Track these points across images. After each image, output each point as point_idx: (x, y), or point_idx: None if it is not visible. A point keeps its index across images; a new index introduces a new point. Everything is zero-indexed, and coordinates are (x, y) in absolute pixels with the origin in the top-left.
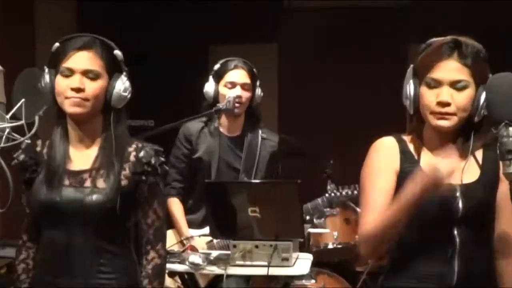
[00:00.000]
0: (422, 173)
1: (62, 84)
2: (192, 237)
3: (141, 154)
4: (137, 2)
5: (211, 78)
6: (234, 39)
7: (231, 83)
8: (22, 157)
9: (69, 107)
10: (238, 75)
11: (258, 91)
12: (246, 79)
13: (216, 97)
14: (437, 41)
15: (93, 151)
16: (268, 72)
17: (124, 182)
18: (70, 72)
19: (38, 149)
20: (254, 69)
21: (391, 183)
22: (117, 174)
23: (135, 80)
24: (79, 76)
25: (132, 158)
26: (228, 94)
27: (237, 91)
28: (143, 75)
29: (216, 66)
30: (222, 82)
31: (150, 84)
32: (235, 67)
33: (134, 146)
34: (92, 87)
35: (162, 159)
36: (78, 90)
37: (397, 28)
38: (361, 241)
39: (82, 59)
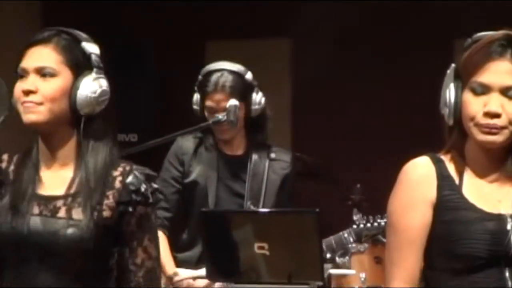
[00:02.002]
0: None
1: (17, 88)
2: (180, 279)
3: (129, 179)
4: None
5: (196, 91)
6: (236, 34)
7: (211, 109)
8: None
9: (23, 115)
10: (217, 99)
11: (257, 100)
12: (230, 101)
13: (203, 113)
14: (487, 36)
15: (69, 171)
16: (279, 73)
17: (106, 213)
18: (25, 73)
19: (3, 165)
20: (246, 76)
21: (426, 219)
22: (98, 203)
23: (119, 84)
24: (33, 76)
25: (117, 184)
26: (213, 117)
27: (220, 116)
28: (124, 79)
29: (199, 77)
30: (204, 103)
31: (133, 89)
32: (215, 88)
33: (120, 169)
34: (46, 88)
35: (155, 185)
36: (29, 92)
37: (438, 19)
38: None
39: (35, 55)
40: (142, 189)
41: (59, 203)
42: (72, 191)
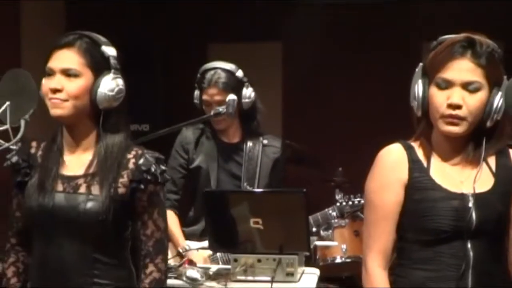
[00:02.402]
0: None
1: (45, 85)
2: (190, 249)
3: (141, 161)
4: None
5: (196, 85)
6: (235, 38)
7: (206, 102)
8: (15, 158)
9: (51, 109)
10: (211, 93)
11: (247, 94)
12: (221, 97)
13: (202, 107)
14: (450, 39)
15: (89, 156)
16: (271, 73)
17: (121, 190)
18: (51, 72)
19: (33, 151)
20: (237, 73)
21: (399, 197)
22: (114, 181)
23: (132, 81)
24: (59, 76)
25: (131, 165)
26: (210, 111)
27: (215, 109)
28: (140, 75)
29: (198, 75)
30: (201, 97)
31: (147, 85)
32: (209, 85)
33: (133, 152)
34: (71, 87)
35: (163, 167)
36: (56, 91)
37: (410, 25)
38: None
39: (61, 58)
40: (152, 170)
41: (80, 181)
42: (91, 171)
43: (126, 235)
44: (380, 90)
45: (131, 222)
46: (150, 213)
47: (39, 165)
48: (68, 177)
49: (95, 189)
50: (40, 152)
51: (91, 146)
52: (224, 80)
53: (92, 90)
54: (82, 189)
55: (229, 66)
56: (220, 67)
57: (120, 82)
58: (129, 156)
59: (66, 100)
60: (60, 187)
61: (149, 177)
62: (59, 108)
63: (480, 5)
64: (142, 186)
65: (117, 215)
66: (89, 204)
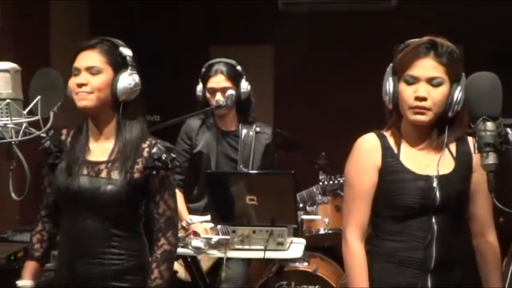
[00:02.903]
0: None
1: (72, 82)
2: (193, 222)
3: (154, 150)
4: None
5: (199, 80)
6: (233, 41)
7: (212, 89)
8: (47, 143)
9: (78, 102)
10: (217, 81)
11: (244, 86)
12: (225, 83)
13: (205, 99)
14: (415, 41)
15: (110, 144)
16: (264, 72)
17: (136, 175)
18: (77, 71)
19: (63, 138)
20: (237, 67)
21: (373, 179)
22: (131, 167)
23: (145, 78)
24: (84, 73)
25: (145, 153)
26: (214, 100)
27: (218, 96)
28: (152, 73)
29: (202, 70)
30: (206, 87)
31: (157, 81)
32: (215, 73)
33: (148, 142)
34: (95, 81)
35: (173, 155)
36: (82, 85)
37: (383, 30)
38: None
39: (85, 58)
40: (163, 157)
41: (102, 166)
42: (112, 157)
43: (140, 213)
44: (357, 87)
45: (144, 202)
46: (161, 195)
47: (67, 150)
48: (92, 163)
49: (114, 174)
50: (69, 139)
51: (112, 134)
52: (227, 70)
53: (112, 84)
54: (103, 174)
55: (230, 60)
56: (223, 60)
57: (136, 77)
58: (144, 145)
59: (91, 93)
60: (85, 171)
61: (160, 164)
62: (85, 100)
63: (445, 14)
64: (155, 172)
65: (132, 197)
66: (109, 187)
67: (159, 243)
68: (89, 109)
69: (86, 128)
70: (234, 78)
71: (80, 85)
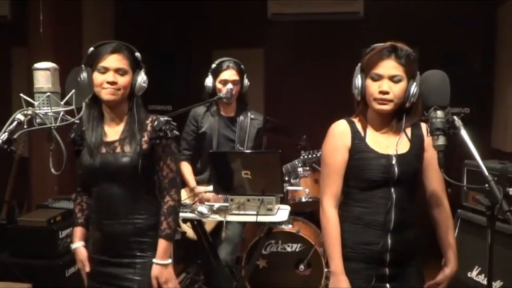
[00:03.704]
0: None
1: (100, 78)
2: (199, 191)
3: (155, 124)
4: (163, 17)
5: (209, 74)
6: (232, 45)
7: (224, 81)
8: (73, 135)
9: (106, 96)
10: (229, 74)
11: (245, 82)
12: (235, 77)
13: (214, 90)
14: (379, 46)
15: (121, 126)
16: (257, 70)
17: (144, 146)
18: (105, 70)
19: (84, 129)
20: (242, 66)
21: (344, 157)
22: (139, 141)
23: (159, 75)
24: (113, 73)
25: (149, 128)
26: (223, 90)
27: (229, 87)
28: (164, 71)
29: (213, 65)
30: (218, 79)
31: (169, 78)
32: (227, 67)
33: (150, 119)
34: (122, 81)
35: (172, 126)
36: (113, 83)
37: (352, 36)
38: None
39: (114, 60)
40: (163, 128)
41: (116, 144)
42: (123, 136)
43: (154, 178)
44: (332, 82)
45: (155, 168)
46: (164, 160)
47: (87, 137)
48: (108, 142)
49: (127, 148)
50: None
51: (123, 118)
52: (237, 66)
53: (132, 82)
54: (118, 150)
55: (237, 60)
56: (232, 59)
57: (145, 76)
58: (147, 122)
59: (118, 90)
60: (103, 150)
61: (161, 134)
62: (113, 95)
63: (404, 23)
64: (158, 141)
65: (144, 164)
66: (124, 159)
67: (164, 200)
68: (115, 102)
69: (100, 115)
70: (241, 73)
71: (111, 83)
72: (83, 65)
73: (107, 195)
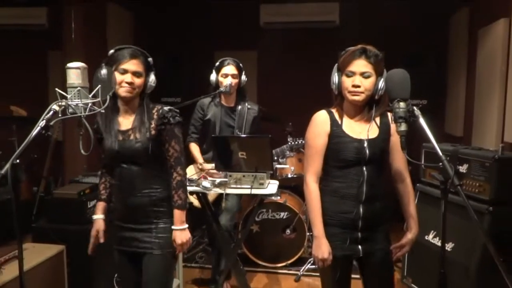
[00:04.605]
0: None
1: (119, 78)
2: (203, 167)
3: (160, 112)
4: (170, 24)
5: (213, 71)
6: (230, 47)
7: (225, 75)
8: (95, 126)
9: (123, 93)
10: (229, 69)
11: (243, 77)
12: (235, 71)
13: (217, 83)
14: (352, 48)
15: (133, 117)
16: (251, 69)
17: (153, 132)
18: (124, 72)
19: (98, 119)
20: (240, 64)
21: (325, 141)
22: (148, 128)
23: (170, 72)
24: (130, 75)
25: (155, 116)
26: (225, 82)
27: (229, 79)
28: (175, 69)
29: (217, 63)
30: (220, 73)
31: (178, 75)
32: (228, 64)
33: (156, 108)
34: (138, 82)
35: (175, 113)
36: (130, 83)
37: (330, 41)
38: (304, 188)
39: (132, 64)
40: (167, 116)
41: (130, 131)
42: (135, 125)
43: (164, 157)
44: (315, 80)
45: (162, 150)
46: (169, 143)
47: (107, 126)
48: (122, 131)
49: (139, 135)
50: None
51: (135, 110)
52: (236, 63)
53: (145, 82)
54: (132, 137)
55: (236, 59)
56: (232, 58)
57: (154, 78)
58: (154, 111)
59: (134, 89)
60: (120, 137)
61: (165, 121)
62: (130, 93)
63: (373, 29)
64: (163, 127)
65: (154, 147)
66: (137, 144)
67: (173, 176)
68: (130, 98)
69: (116, 109)
70: (239, 69)
71: (129, 83)
72: (103, 64)
73: (127, 174)
